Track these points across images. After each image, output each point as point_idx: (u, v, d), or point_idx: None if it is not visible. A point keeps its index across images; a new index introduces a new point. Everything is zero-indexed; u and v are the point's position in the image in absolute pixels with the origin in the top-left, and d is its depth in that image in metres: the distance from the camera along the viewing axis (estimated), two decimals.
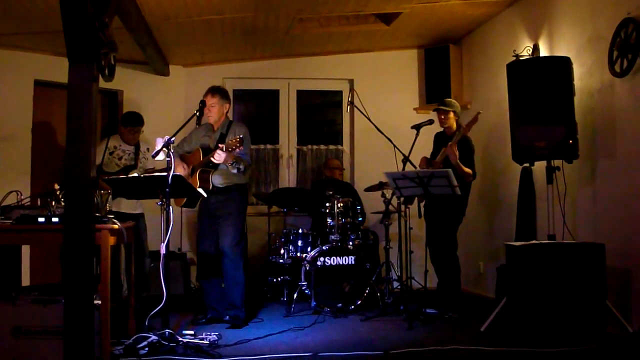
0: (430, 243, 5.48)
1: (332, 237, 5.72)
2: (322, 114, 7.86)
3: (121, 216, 4.33)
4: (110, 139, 5.61)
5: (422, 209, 5.24)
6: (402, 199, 5.29)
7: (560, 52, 5.00)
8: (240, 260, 4.96)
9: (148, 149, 5.74)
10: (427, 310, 5.07)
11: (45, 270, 5.99)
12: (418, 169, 5.28)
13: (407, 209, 5.30)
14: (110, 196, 4.30)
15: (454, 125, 5.48)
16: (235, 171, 4.82)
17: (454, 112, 5.49)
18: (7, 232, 3.73)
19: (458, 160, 5.15)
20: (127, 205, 5.43)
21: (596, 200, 4.70)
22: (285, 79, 7.47)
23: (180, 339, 4.12)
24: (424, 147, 5.55)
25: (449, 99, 5.70)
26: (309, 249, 5.97)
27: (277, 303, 5.98)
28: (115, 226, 3.84)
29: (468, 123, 5.19)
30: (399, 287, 5.94)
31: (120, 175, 5.30)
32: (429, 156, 5.56)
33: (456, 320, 5.06)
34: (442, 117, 5.50)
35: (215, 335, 4.36)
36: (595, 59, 4.68)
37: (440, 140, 5.54)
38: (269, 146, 7.49)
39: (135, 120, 5.64)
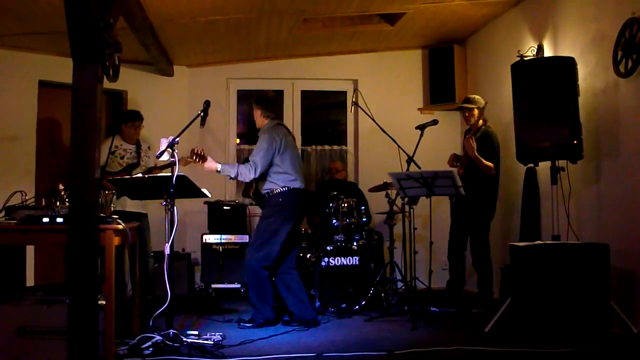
0: (453, 241, 5.49)
1: (336, 237, 5.72)
2: (326, 114, 7.86)
3: (126, 215, 4.33)
4: (114, 138, 5.63)
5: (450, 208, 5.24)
6: (406, 199, 5.29)
7: (564, 53, 4.99)
8: (255, 263, 4.88)
9: (149, 147, 5.77)
10: (432, 309, 5.07)
11: (50, 270, 6.00)
12: (422, 169, 5.28)
13: (412, 210, 5.30)
14: (115, 196, 4.31)
15: (480, 122, 5.48)
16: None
17: (478, 108, 5.49)
18: (12, 233, 3.74)
19: (476, 153, 5.16)
20: (132, 204, 5.43)
21: (600, 200, 4.69)
22: (289, 79, 7.46)
23: (184, 339, 4.12)
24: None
25: (472, 96, 5.66)
26: (313, 249, 5.97)
27: (282, 303, 5.96)
28: (120, 226, 3.83)
29: None
30: (403, 287, 5.93)
31: (124, 173, 5.33)
32: (458, 153, 5.58)
33: (460, 320, 5.06)
34: (467, 114, 5.52)
35: (220, 335, 4.37)
36: (600, 59, 4.67)
37: None
38: None
39: (135, 115, 5.70)
